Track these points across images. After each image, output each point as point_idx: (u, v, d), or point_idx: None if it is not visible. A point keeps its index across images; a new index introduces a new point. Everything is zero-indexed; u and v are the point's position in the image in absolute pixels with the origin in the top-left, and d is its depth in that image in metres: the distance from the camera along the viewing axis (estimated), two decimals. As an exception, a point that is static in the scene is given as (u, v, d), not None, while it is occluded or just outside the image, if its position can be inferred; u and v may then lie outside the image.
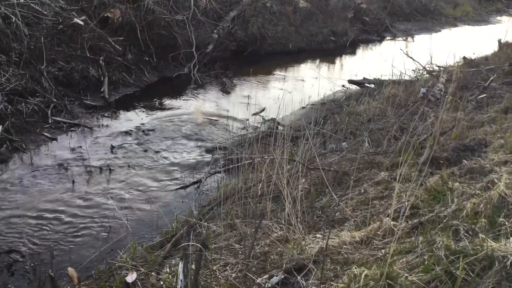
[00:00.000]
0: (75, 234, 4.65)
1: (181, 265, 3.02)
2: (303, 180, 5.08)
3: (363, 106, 7.82)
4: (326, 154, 5.64)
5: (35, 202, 5.13)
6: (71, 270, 2.93)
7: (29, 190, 5.35)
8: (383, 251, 2.81)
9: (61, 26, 8.63)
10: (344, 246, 3.13)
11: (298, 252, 3.30)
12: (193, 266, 3.15)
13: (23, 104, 6.96)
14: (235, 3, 12.70)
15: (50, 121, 7.02)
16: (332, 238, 3.48)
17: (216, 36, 11.24)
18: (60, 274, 3.80)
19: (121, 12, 9.86)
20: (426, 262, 2.41)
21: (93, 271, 4.01)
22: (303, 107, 8.67)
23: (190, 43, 10.58)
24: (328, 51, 14.13)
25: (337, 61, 13.54)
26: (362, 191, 4.61)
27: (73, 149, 6.44)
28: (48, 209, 5.03)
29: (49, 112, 7.17)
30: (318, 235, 3.71)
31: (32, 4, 8.26)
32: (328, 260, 3.10)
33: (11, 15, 7.64)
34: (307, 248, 3.40)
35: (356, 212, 4.08)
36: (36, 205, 5.07)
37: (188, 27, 10.82)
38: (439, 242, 2.53)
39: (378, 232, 3.15)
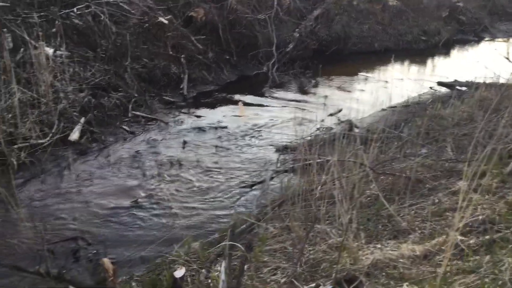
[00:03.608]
0: (138, 224, 4.74)
1: (224, 266, 2.91)
2: (372, 185, 4.76)
3: (450, 109, 7.21)
4: (400, 159, 5.23)
5: (107, 191, 5.32)
6: (106, 261, 2.93)
7: (102, 180, 5.56)
8: (443, 268, 2.47)
9: (147, 24, 8.98)
10: (401, 260, 2.81)
11: (352, 262, 3.04)
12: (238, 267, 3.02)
13: (106, 98, 7.32)
14: (319, 1, 12.43)
15: (130, 115, 7.31)
16: (392, 250, 3.17)
17: (298, 35, 11.07)
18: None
19: (204, 12, 10.06)
20: (487, 286, 2.06)
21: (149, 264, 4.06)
22: (384, 109, 8.20)
23: (271, 42, 10.53)
24: (418, 51, 13.38)
25: (427, 62, 12.74)
26: (436, 201, 4.19)
27: (148, 143, 6.63)
28: (118, 199, 5.18)
29: (130, 106, 7.47)
30: (378, 246, 3.41)
31: (121, 3, 8.68)
32: (383, 274, 2.81)
33: (100, 14, 8.09)
34: (363, 258, 3.13)
35: (425, 223, 3.70)
36: (107, 194, 5.26)
37: (270, 26, 10.77)
38: (505, 264, 2.16)
39: (443, 247, 2.79)
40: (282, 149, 6.48)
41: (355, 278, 2.86)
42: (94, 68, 7.47)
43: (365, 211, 4.10)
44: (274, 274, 3.35)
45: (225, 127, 7.31)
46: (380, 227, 3.93)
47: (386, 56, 12.41)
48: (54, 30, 7.25)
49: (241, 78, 9.94)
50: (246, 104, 8.49)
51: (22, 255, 4.07)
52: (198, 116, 7.79)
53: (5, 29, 6.70)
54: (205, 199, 5.30)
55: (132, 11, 8.92)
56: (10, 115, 5.95)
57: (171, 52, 9.02)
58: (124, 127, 7.00)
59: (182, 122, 7.47)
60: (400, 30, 13.61)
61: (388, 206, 3.65)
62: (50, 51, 6.77)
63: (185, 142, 6.68)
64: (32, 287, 3.64)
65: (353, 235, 3.48)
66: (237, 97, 8.80)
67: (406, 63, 12.44)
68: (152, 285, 3.48)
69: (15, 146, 5.70)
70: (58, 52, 7.00)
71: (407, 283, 2.36)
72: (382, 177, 4.83)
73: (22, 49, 6.82)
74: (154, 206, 5.10)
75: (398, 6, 13.98)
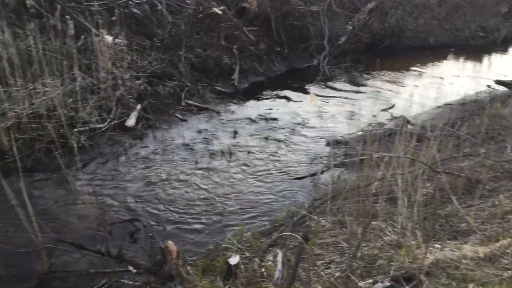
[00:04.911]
0: (191, 210, 4.84)
1: (280, 255, 2.93)
2: (428, 184, 4.66)
3: (509, 108, 6.93)
4: (457, 158, 5.08)
5: (161, 177, 5.45)
6: (171, 244, 3.02)
7: (157, 166, 5.70)
8: (510, 272, 2.39)
9: (201, 15, 9.08)
10: (464, 261, 2.74)
11: (410, 260, 2.99)
12: (293, 258, 3.03)
13: (160, 86, 7.49)
14: (374, -6, 12.19)
15: (183, 104, 7.45)
16: (452, 251, 3.10)
17: (351, 28, 10.91)
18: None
19: (257, 3, 10.07)
20: None
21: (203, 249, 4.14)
22: (439, 106, 7.99)
23: (323, 34, 10.43)
24: (475, 48, 12.90)
25: (485, 59, 12.26)
26: (496, 202, 4.05)
27: (200, 131, 6.74)
28: (172, 185, 5.30)
29: (183, 95, 7.61)
30: (436, 245, 3.33)
31: (176, -7, 8.84)
32: (444, 274, 2.75)
33: (157, 3, 8.26)
34: (421, 257, 3.07)
35: (486, 225, 3.59)
36: (162, 180, 5.39)
37: (322, 18, 10.66)
38: None
39: (508, 250, 2.70)
40: (333, 143, 6.43)
41: (414, 277, 2.82)
42: (151, 56, 7.66)
43: (421, 209, 4.02)
44: (328, 268, 3.34)
45: (275, 119, 7.32)
46: (437, 226, 3.85)
47: (441, 51, 12.11)
48: (113, 18, 7.46)
49: (292, 70, 9.91)
50: (294, 95, 8.48)
51: (83, 234, 4.25)
52: (249, 107, 7.86)
53: (67, 16, 6.94)
54: (255, 189, 5.34)
55: (188, 1, 9.05)
56: (71, 100, 6.19)
57: (223, 43, 9.09)
58: (177, 115, 7.15)
59: (233, 112, 7.55)
60: (457, 26, 13.17)
61: (457, 205, 3.56)
62: (109, 39, 6.98)
63: (236, 132, 6.74)
64: (91, 266, 3.81)
65: (410, 234, 3.43)
66: (287, 88, 8.80)
67: (462, 59, 12.03)
68: (206, 270, 3.55)
69: (75, 130, 5.93)
70: (117, 40, 7.20)
71: (473, 285, 2.31)
72: (439, 176, 4.71)
73: (83, 36, 7.07)
74: (206, 193, 5.19)
75: (455, 0, 13.52)
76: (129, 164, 5.67)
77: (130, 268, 3.38)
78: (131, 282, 3.55)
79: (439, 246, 3.23)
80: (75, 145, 5.66)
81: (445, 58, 11.86)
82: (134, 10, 8.10)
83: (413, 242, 3.27)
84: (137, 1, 8.19)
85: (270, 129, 6.96)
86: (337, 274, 3.17)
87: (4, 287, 3.54)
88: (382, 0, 11.90)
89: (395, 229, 3.63)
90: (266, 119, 7.30)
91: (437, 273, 2.76)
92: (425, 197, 4.38)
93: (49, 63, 6.20)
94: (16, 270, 3.73)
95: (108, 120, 6.29)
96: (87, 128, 6.02)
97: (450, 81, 9.45)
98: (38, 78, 5.95)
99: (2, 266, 3.56)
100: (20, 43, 6.20)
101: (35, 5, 6.94)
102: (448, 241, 3.32)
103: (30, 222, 3.81)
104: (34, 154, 5.48)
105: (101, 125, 6.17)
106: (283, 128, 7.00)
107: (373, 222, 3.82)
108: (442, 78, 9.98)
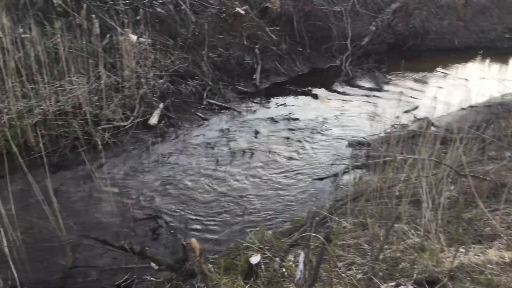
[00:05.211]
0: (212, 209, 4.87)
1: (302, 256, 2.93)
2: (452, 187, 4.59)
3: (537, 112, 6.78)
4: (482, 161, 5.00)
5: (182, 174, 5.51)
6: (194, 242, 3.05)
7: (178, 163, 5.76)
8: (539, 279, 2.35)
9: (224, 15, 9.12)
10: (489, 266, 2.70)
11: (434, 263, 2.95)
12: (315, 259, 3.03)
13: (183, 85, 7.56)
14: (398, -6, 12.05)
15: (204, 103, 7.50)
16: (477, 255, 3.05)
17: (374, 28, 10.80)
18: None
19: (280, 3, 10.06)
20: None
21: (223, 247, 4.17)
22: (463, 109, 7.86)
23: (345, 35, 10.36)
24: (502, 50, 12.63)
25: (511, 61, 12.00)
26: (523, 207, 3.97)
27: (221, 130, 6.78)
28: (193, 183, 5.35)
29: (205, 94, 7.66)
30: (461, 249, 3.28)
31: (200, -7, 8.90)
32: (468, 279, 2.71)
33: (181, 3, 8.33)
34: (444, 261, 3.03)
35: (511, 230, 3.52)
36: (183, 177, 5.44)
37: (345, 19, 10.60)
38: None
39: (535, 257, 2.66)
40: (355, 144, 6.38)
41: (437, 280, 2.79)
42: (174, 56, 7.73)
43: (445, 213, 3.97)
44: (349, 270, 3.32)
45: (297, 119, 7.31)
46: (460, 230, 3.79)
47: (467, 53, 11.90)
48: (138, 17, 7.55)
49: (314, 70, 9.88)
50: (316, 95, 8.45)
51: (106, 230, 4.32)
52: (270, 107, 7.86)
53: (93, 15, 7.05)
54: (276, 188, 5.34)
55: (211, 1, 9.10)
56: (96, 98, 6.29)
57: (246, 43, 9.11)
58: (199, 114, 7.20)
59: (254, 111, 7.57)
60: (483, 27, 12.92)
61: (483, 209, 3.51)
62: (134, 38, 7.06)
63: (257, 132, 6.76)
64: (114, 261, 3.86)
65: (434, 237, 3.38)
66: (309, 89, 8.78)
67: (488, 61, 11.80)
68: (228, 268, 3.57)
69: (100, 127, 6.03)
70: (142, 39, 7.29)
71: (499, 290, 2.27)
72: (463, 179, 4.63)
73: (108, 35, 7.17)
74: (227, 192, 5.21)
75: (481, 1, 13.27)
76: (152, 161, 5.74)
77: (152, 264, 3.43)
78: (153, 279, 3.59)
79: (463, 250, 3.18)
80: (99, 142, 5.76)
81: (470, 60, 11.67)
82: (159, 9, 8.18)
83: (437, 246, 3.23)
84: (162, 1, 8.27)
85: (291, 129, 6.95)
86: (359, 276, 3.15)
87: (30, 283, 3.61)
88: (407, 0, 11.75)
89: (418, 232, 3.59)
90: (288, 119, 7.29)
91: (461, 277, 2.73)
92: (449, 200, 4.31)
93: (75, 61, 6.32)
94: (41, 264, 3.82)
95: (132, 118, 6.39)
96: (111, 125, 6.13)
97: (475, 83, 9.29)
98: (64, 76, 6.07)
99: (28, 260, 3.64)
100: (47, 41, 6.33)
101: (62, 4, 7.07)
102: (473, 245, 3.27)
103: (55, 217, 3.90)
104: (60, 151, 5.60)
105: (124, 123, 6.26)
106: (304, 128, 6.98)
107: (396, 225, 3.79)
108: (467, 80, 9.83)
